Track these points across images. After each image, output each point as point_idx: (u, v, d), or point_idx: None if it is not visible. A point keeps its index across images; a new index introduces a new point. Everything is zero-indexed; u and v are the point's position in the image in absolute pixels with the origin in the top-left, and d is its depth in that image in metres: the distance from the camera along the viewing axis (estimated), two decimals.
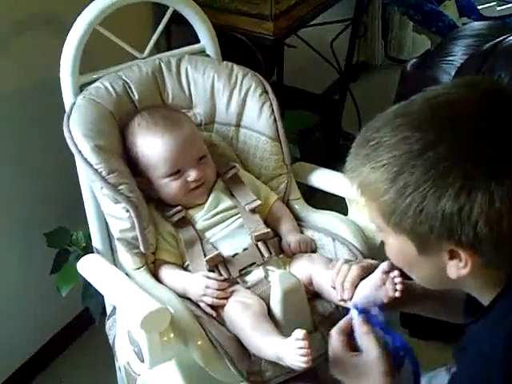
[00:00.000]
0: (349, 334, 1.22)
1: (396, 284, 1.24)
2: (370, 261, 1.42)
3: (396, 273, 1.24)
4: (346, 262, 1.36)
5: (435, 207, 0.91)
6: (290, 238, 1.58)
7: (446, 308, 1.32)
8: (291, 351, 1.24)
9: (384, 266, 1.27)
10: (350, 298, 1.28)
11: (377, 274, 1.27)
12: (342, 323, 1.23)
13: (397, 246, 1.04)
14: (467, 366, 1.04)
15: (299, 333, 1.23)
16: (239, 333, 1.40)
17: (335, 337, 1.22)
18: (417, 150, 0.92)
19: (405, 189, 0.93)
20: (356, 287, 1.29)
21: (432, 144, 0.92)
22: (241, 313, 1.40)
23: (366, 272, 1.29)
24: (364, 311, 1.24)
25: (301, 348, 1.23)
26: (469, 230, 0.91)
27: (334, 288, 1.34)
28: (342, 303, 1.33)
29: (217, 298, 1.42)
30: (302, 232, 1.64)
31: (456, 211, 0.90)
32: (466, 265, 0.96)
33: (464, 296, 1.17)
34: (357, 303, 1.25)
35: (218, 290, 1.43)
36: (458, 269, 0.98)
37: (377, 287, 1.26)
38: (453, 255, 0.97)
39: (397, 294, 1.24)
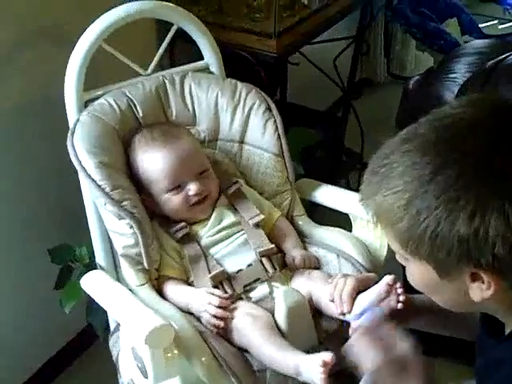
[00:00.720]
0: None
1: (399, 295, 1.24)
2: (366, 274, 1.42)
3: (399, 285, 1.24)
4: (344, 275, 1.36)
5: (450, 232, 0.91)
6: (295, 252, 1.58)
7: (452, 323, 1.31)
8: (315, 369, 1.24)
9: (388, 278, 1.27)
10: (350, 311, 1.27)
11: (380, 286, 1.27)
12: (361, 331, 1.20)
13: (418, 271, 1.03)
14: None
15: (328, 356, 1.23)
16: (249, 344, 1.39)
17: (362, 340, 1.18)
18: (426, 174, 0.92)
19: (418, 215, 0.93)
20: (355, 300, 1.28)
21: (440, 167, 0.91)
22: (251, 325, 1.40)
23: (363, 285, 1.30)
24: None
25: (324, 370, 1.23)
26: (487, 253, 0.90)
27: (333, 301, 1.35)
28: (341, 317, 1.33)
29: (215, 316, 1.41)
30: (306, 248, 1.64)
31: (472, 234, 0.89)
32: (489, 287, 0.95)
33: (473, 316, 1.16)
34: (357, 315, 1.25)
35: (219, 307, 1.42)
36: (481, 291, 0.96)
37: (379, 299, 1.26)
38: (475, 278, 0.95)
39: (399, 306, 1.24)
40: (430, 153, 0.93)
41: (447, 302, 1.08)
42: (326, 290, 1.40)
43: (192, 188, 1.54)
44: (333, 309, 1.36)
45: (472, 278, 0.95)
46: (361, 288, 1.28)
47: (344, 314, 1.29)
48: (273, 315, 1.44)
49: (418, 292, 1.16)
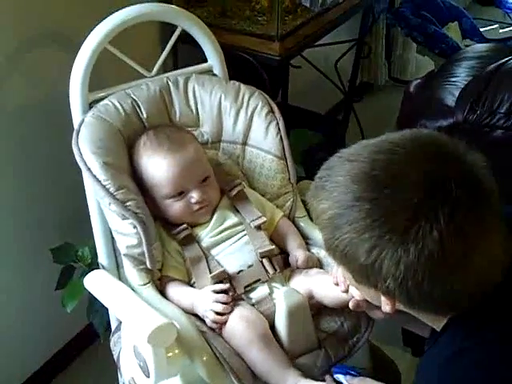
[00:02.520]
0: None
1: None
2: None
3: None
4: None
5: (354, 256, 1.01)
6: (299, 253, 1.59)
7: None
8: None
9: None
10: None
11: None
12: None
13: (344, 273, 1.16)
14: None
15: None
16: (242, 350, 1.40)
17: None
18: (348, 200, 1.00)
19: (334, 232, 1.03)
20: None
21: (359, 200, 1.00)
22: (246, 332, 1.41)
23: None
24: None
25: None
26: (381, 283, 1.00)
27: (337, 285, 1.37)
28: (345, 296, 1.36)
29: (222, 313, 1.43)
30: (307, 249, 1.65)
31: (369, 265, 0.99)
32: (387, 305, 1.06)
33: None
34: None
35: (225, 303, 1.43)
36: (384, 305, 1.07)
37: None
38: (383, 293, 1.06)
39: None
40: (357, 182, 1.01)
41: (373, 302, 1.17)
42: (327, 281, 1.43)
43: (195, 196, 1.55)
44: (336, 295, 1.40)
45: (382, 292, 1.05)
46: None
47: (347, 291, 1.32)
48: (272, 316, 1.45)
49: None
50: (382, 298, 1.06)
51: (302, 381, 1.35)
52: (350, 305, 1.33)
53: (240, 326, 1.41)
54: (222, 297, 1.44)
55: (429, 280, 0.96)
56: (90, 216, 1.63)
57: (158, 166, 1.54)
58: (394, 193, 0.98)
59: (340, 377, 1.35)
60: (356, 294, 1.27)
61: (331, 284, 1.40)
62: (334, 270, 1.38)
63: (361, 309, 1.34)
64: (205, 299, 1.45)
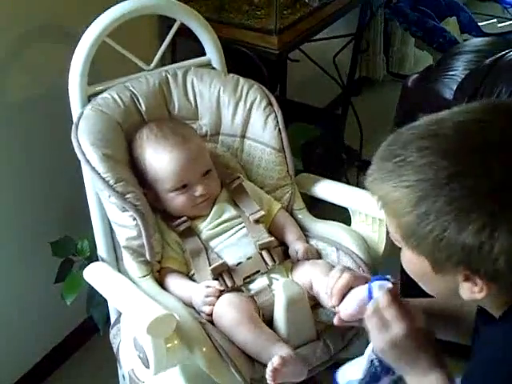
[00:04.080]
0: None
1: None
2: (365, 274, 1.42)
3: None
4: (344, 268, 1.33)
5: (456, 239, 0.91)
6: (299, 245, 1.59)
7: (452, 328, 1.32)
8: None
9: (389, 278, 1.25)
10: (337, 305, 1.25)
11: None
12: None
13: (413, 261, 1.03)
14: (477, 370, 1.04)
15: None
16: (232, 334, 1.41)
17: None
18: (442, 178, 0.91)
19: (426, 216, 0.92)
20: (346, 295, 1.25)
21: (458, 175, 0.91)
22: (231, 314, 1.42)
23: (357, 282, 1.26)
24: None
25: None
26: (488, 265, 0.91)
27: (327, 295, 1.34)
28: (332, 309, 1.30)
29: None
30: (306, 241, 1.66)
31: (477, 246, 0.90)
32: (480, 290, 0.96)
33: (471, 316, 1.18)
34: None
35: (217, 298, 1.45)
36: (471, 292, 0.97)
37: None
38: (467, 278, 0.97)
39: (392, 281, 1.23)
40: (449, 158, 0.92)
41: (435, 293, 1.09)
42: (325, 281, 1.39)
43: (198, 190, 1.56)
44: (327, 301, 1.36)
45: (465, 277, 0.97)
46: (354, 285, 1.25)
47: (334, 307, 1.27)
48: (271, 308, 1.46)
49: (414, 292, 1.17)
50: (465, 284, 0.97)
51: (285, 350, 1.34)
52: (335, 321, 1.26)
53: (226, 310, 1.43)
54: (213, 291, 1.45)
55: None
56: (89, 209, 1.63)
57: (162, 159, 1.55)
58: (501, 162, 0.90)
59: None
60: (342, 314, 1.23)
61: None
62: (331, 277, 1.32)
63: (345, 325, 1.27)
64: (198, 294, 1.46)
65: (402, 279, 1.25)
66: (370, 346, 1.22)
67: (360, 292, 1.23)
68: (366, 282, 1.23)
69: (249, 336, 1.39)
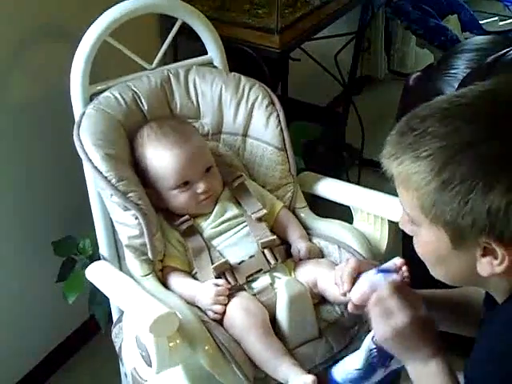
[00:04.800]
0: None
1: (405, 278, 1.24)
2: (371, 261, 1.43)
3: (406, 268, 1.24)
4: (348, 259, 1.35)
5: (482, 201, 0.91)
6: (301, 244, 1.60)
7: (459, 319, 1.32)
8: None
9: (396, 259, 1.27)
10: (349, 290, 1.26)
11: (386, 265, 1.27)
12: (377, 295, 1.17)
13: (430, 238, 1.02)
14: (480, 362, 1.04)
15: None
16: (242, 342, 1.41)
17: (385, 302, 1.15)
18: (469, 142, 0.92)
19: (452, 180, 0.92)
20: (356, 280, 1.27)
21: (486, 138, 0.91)
22: (244, 321, 1.42)
23: (364, 267, 1.28)
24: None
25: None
26: (510, 232, 0.91)
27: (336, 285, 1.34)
28: (343, 298, 1.31)
29: (226, 304, 1.44)
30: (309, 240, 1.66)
31: (503, 207, 0.90)
32: (502, 262, 0.95)
33: (476, 307, 1.18)
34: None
35: (228, 296, 1.45)
36: (491, 266, 0.97)
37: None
38: (486, 252, 0.96)
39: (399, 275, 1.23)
40: (478, 122, 0.93)
41: (449, 275, 1.08)
42: (331, 276, 1.40)
43: (200, 187, 1.56)
44: (336, 293, 1.36)
45: (484, 252, 0.96)
46: (362, 269, 1.27)
47: (345, 294, 1.28)
48: (273, 306, 1.46)
49: (419, 284, 1.17)
50: (484, 259, 0.97)
51: (294, 370, 1.35)
52: (349, 308, 1.28)
53: (239, 315, 1.43)
54: (223, 290, 1.45)
55: None
56: (91, 208, 1.63)
57: (163, 157, 1.55)
58: None
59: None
60: (354, 297, 1.24)
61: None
62: (336, 270, 1.35)
63: (359, 312, 1.28)
64: (206, 293, 1.46)
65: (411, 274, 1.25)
66: (369, 337, 1.23)
67: (369, 274, 1.25)
68: (374, 267, 1.26)
69: (257, 345, 1.40)
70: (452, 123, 0.94)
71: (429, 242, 1.04)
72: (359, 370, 1.25)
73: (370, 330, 1.22)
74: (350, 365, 1.27)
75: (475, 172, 0.91)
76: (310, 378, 1.31)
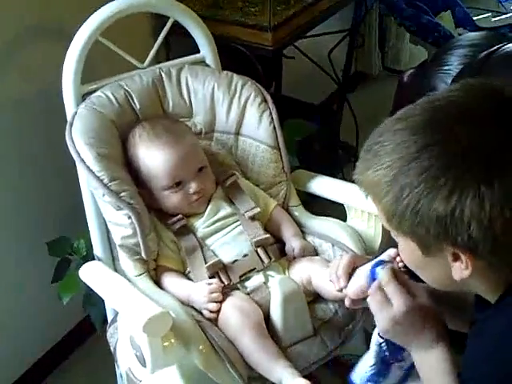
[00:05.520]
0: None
1: (399, 268, 1.23)
2: (365, 256, 1.43)
3: (400, 258, 1.25)
4: (342, 255, 1.37)
5: (429, 209, 0.94)
6: (295, 243, 1.60)
7: (453, 315, 1.32)
8: None
9: (390, 250, 1.27)
10: (345, 286, 1.27)
11: (381, 257, 1.27)
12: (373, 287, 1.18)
13: (404, 246, 1.06)
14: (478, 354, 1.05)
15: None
16: (236, 342, 1.41)
17: (378, 295, 1.16)
18: (412, 153, 0.95)
19: (402, 191, 0.96)
20: (351, 275, 1.28)
21: (425, 146, 0.94)
22: (239, 322, 1.41)
23: (359, 261, 1.29)
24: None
25: None
26: (463, 232, 0.93)
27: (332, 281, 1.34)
28: (339, 294, 1.31)
29: (221, 302, 1.44)
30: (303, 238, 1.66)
31: (449, 213, 0.92)
32: (466, 267, 0.97)
33: (472, 303, 1.18)
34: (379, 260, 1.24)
35: (222, 293, 1.45)
36: (460, 271, 0.99)
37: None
38: (456, 257, 0.98)
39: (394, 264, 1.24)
40: (418, 132, 0.96)
41: (432, 280, 1.10)
42: (325, 273, 1.40)
43: (192, 187, 1.56)
44: (331, 290, 1.36)
45: (453, 257, 0.98)
46: (357, 264, 1.28)
47: (341, 290, 1.29)
48: (267, 305, 1.46)
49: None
50: (456, 264, 0.99)
51: (287, 372, 1.35)
52: (346, 303, 1.28)
53: (234, 315, 1.43)
54: (217, 287, 1.46)
55: None
56: (84, 208, 1.63)
57: (155, 157, 1.55)
58: (468, 128, 0.93)
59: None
60: (351, 292, 1.25)
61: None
62: (332, 265, 1.35)
63: (357, 306, 1.29)
64: (200, 292, 1.46)
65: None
66: (376, 331, 1.23)
67: (365, 268, 1.25)
68: (368, 261, 1.26)
69: (251, 345, 1.39)
70: (401, 136, 0.98)
71: (405, 249, 1.07)
72: (373, 366, 1.25)
73: (374, 326, 1.22)
74: (364, 365, 1.27)
75: (419, 181, 0.94)
76: (304, 382, 1.31)
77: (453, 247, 0.96)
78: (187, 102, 1.72)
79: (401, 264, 1.23)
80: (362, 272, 1.26)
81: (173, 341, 1.34)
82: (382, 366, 1.24)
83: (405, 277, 1.19)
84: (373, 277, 1.21)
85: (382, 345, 1.23)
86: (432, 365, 1.13)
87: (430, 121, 0.97)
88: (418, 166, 0.94)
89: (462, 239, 0.93)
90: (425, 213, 0.94)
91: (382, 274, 1.18)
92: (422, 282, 1.15)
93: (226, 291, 1.47)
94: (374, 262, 1.25)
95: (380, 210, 1.03)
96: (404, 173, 0.95)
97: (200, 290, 1.46)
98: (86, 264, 1.58)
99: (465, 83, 1.04)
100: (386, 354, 1.23)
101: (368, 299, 1.18)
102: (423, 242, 1.00)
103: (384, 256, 1.27)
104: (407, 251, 1.07)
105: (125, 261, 1.52)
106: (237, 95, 1.71)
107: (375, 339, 1.24)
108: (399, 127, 0.99)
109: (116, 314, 1.65)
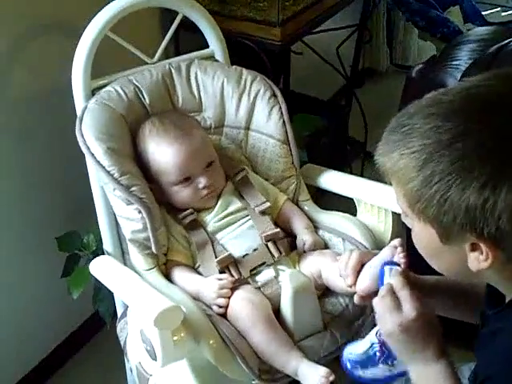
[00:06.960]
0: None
1: (401, 258, 1.23)
2: (373, 251, 1.43)
3: (401, 249, 1.24)
4: (351, 250, 1.34)
5: (459, 198, 0.92)
6: (307, 237, 1.60)
7: (460, 305, 1.31)
8: (314, 377, 1.32)
9: (395, 241, 1.27)
10: (354, 283, 1.27)
11: (386, 249, 1.27)
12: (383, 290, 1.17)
13: (421, 232, 1.04)
14: (497, 356, 1.03)
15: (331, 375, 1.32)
16: (248, 336, 1.41)
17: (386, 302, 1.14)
18: (446, 140, 0.93)
19: (431, 177, 0.94)
20: (360, 272, 1.27)
21: (461, 135, 0.92)
22: (250, 314, 1.42)
23: (367, 258, 1.29)
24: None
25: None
26: (491, 224, 0.91)
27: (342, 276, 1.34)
28: (349, 289, 1.30)
29: (229, 297, 1.44)
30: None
31: (480, 204, 0.91)
32: (486, 258, 0.96)
33: (480, 293, 1.17)
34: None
35: (231, 288, 1.45)
36: (478, 262, 0.98)
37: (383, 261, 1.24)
38: (474, 247, 0.97)
39: (402, 266, 1.23)
40: (453, 119, 0.94)
41: (445, 269, 1.09)
42: (334, 267, 1.40)
43: (202, 181, 1.56)
44: (341, 285, 1.36)
45: (472, 247, 0.97)
46: (365, 261, 1.28)
47: (350, 287, 1.28)
48: (278, 299, 1.47)
49: (423, 269, 1.17)
50: (473, 254, 0.97)
51: (304, 362, 1.36)
52: (355, 300, 1.28)
53: (244, 308, 1.43)
54: (227, 283, 1.45)
55: None
56: (94, 203, 1.63)
57: (165, 153, 1.55)
58: (505, 118, 0.92)
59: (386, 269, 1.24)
60: (362, 287, 1.25)
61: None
62: (341, 261, 1.34)
63: (366, 303, 1.28)
64: (210, 287, 1.46)
65: (409, 261, 1.25)
66: (373, 332, 1.23)
67: (373, 266, 1.25)
68: (375, 255, 1.26)
69: (263, 338, 1.40)
70: (433, 121, 0.95)
71: (421, 235, 1.05)
72: (361, 354, 1.24)
73: (375, 324, 1.21)
74: (355, 348, 1.26)
75: (452, 170, 0.92)
76: (325, 370, 1.32)
77: (476, 237, 0.95)
78: (197, 96, 1.72)
79: (403, 259, 1.23)
80: (371, 269, 1.26)
81: (183, 334, 1.34)
82: (368, 361, 1.24)
83: (412, 283, 1.17)
84: (381, 278, 1.20)
85: (374, 345, 1.22)
86: (431, 380, 1.12)
87: (466, 108, 0.95)
88: (451, 154, 0.92)
89: (489, 230, 0.92)
90: (454, 201, 0.93)
91: (395, 278, 1.16)
92: (421, 271, 1.15)
93: (235, 285, 1.47)
94: (381, 258, 1.25)
95: (402, 194, 1.01)
96: (435, 159, 0.93)
97: (210, 285, 1.46)
98: (96, 258, 1.59)
99: (499, 72, 1.02)
100: (377, 354, 1.23)
101: (375, 300, 1.16)
102: (445, 230, 0.98)
103: (389, 249, 1.27)
104: (424, 238, 1.05)
105: (135, 255, 1.52)
106: (246, 90, 1.71)
107: (369, 339, 1.23)
108: (432, 111, 0.97)
109: (126, 308, 1.65)
